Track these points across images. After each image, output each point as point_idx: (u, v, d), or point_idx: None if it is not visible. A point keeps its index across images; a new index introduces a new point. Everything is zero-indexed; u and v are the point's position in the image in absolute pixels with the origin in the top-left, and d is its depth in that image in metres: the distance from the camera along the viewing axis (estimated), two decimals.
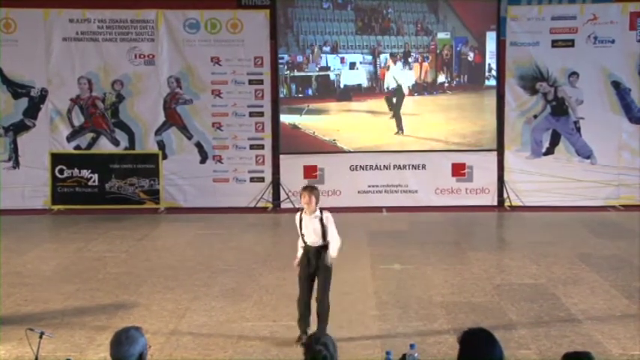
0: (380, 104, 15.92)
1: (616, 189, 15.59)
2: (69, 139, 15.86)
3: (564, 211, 15.07)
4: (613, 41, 15.34)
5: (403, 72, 15.84)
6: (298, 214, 8.08)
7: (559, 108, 15.66)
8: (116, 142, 15.91)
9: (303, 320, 7.96)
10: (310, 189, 8.04)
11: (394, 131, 15.92)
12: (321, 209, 7.98)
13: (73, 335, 8.12)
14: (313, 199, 7.91)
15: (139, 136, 15.88)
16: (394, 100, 15.85)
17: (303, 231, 8.01)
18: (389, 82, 15.87)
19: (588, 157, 15.64)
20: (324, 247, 7.95)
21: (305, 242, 8.02)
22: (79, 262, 11.44)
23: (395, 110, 15.88)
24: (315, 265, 7.93)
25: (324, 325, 7.84)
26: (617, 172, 15.56)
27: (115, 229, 13.96)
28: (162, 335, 8.11)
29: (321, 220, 7.92)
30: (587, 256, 11.44)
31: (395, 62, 15.77)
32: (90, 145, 15.95)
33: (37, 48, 15.56)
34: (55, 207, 15.69)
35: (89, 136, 15.92)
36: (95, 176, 15.80)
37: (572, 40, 15.44)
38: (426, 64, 15.84)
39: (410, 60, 15.82)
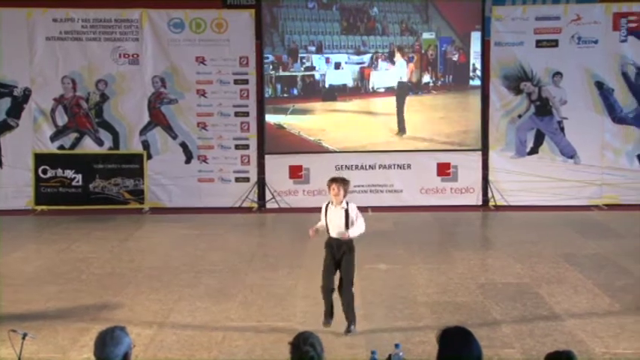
0: (365, 104, 15.93)
1: (599, 188, 15.67)
2: (52, 138, 15.78)
3: (548, 211, 15.12)
4: (596, 41, 15.42)
5: (388, 72, 15.86)
6: (325, 204, 8.20)
7: (543, 108, 15.72)
8: (100, 142, 15.83)
9: (328, 309, 8.06)
10: (341, 180, 8.19)
11: (387, 131, 15.93)
12: (347, 201, 8.11)
13: (55, 336, 8.08)
14: (342, 190, 8.05)
15: (123, 136, 15.82)
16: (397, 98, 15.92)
17: (327, 222, 8.13)
18: (374, 82, 15.88)
19: (572, 157, 15.71)
20: (348, 241, 8.06)
21: (329, 234, 8.13)
22: (62, 263, 11.38)
23: (398, 108, 15.89)
24: (339, 256, 8.06)
25: (351, 319, 8.04)
26: (601, 172, 15.64)
27: (98, 229, 13.90)
28: (146, 336, 8.08)
29: (347, 211, 8.04)
30: (570, 256, 11.49)
31: (403, 56, 15.76)
32: (74, 145, 15.87)
33: (21, 47, 15.45)
34: (39, 207, 15.60)
35: (73, 136, 15.84)
36: (79, 176, 15.73)
37: (556, 41, 15.51)
38: (411, 64, 15.87)
39: (395, 60, 15.84)
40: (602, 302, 9.19)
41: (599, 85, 15.52)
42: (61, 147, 15.83)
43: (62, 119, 15.78)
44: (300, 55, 15.84)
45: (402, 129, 15.89)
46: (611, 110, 15.57)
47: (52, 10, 15.48)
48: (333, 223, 8.09)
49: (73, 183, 15.74)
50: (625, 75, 15.48)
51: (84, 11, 15.53)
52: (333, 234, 8.11)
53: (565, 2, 15.80)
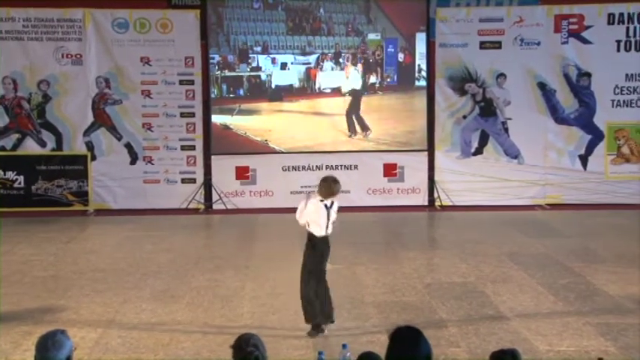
0: (311, 104, 15.95)
1: (542, 188, 15.90)
2: None
3: (493, 210, 15.29)
4: (539, 43, 15.64)
5: (334, 72, 15.90)
6: (317, 201, 8.11)
7: (487, 109, 15.90)
8: (43, 143, 15.57)
9: (320, 312, 8.08)
10: (335, 180, 8.19)
11: (334, 132, 15.96)
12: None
13: None
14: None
15: (67, 137, 15.59)
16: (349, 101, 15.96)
17: (314, 218, 8.12)
18: (320, 83, 15.90)
19: (516, 157, 15.92)
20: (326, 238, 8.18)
21: (312, 232, 8.20)
22: (4, 266, 11.15)
23: (355, 112, 15.92)
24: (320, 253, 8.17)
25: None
26: (544, 172, 15.87)
27: (41, 231, 13.67)
28: (91, 339, 7.97)
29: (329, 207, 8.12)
30: (515, 255, 11.65)
31: (351, 61, 15.81)
32: (15, 146, 15.59)
33: None
34: None
35: (14, 137, 15.56)
36: (21, 178, 15.46)
37: (500, 42, 15.69)
38: (359, 65, 15.92)
39: (341, 60, 15.89)
40: (545, 301, 9.33)
41: (542, 86, 15.75)
42: (3, 148, 15.53)
43: (3, 120, 15.49)
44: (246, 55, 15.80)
45: (364, 127, 15.94)
46: (553, 111, 15.82)
47: None
48: (320, 220, 8.12)
49: (15, 185, 15.47)
50: (566, 76, 15.73)
51: (25, 10, 15.25)
52: (316, 232, 8.19)
53: (508, 4, 16.01)
